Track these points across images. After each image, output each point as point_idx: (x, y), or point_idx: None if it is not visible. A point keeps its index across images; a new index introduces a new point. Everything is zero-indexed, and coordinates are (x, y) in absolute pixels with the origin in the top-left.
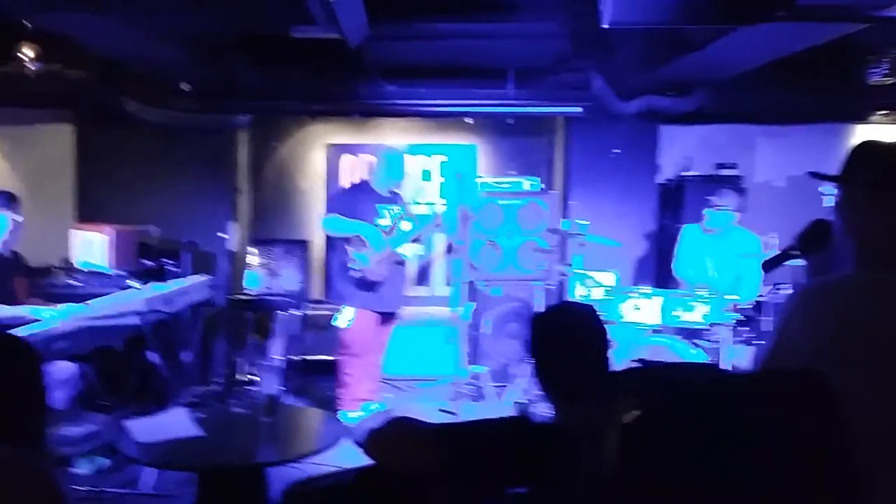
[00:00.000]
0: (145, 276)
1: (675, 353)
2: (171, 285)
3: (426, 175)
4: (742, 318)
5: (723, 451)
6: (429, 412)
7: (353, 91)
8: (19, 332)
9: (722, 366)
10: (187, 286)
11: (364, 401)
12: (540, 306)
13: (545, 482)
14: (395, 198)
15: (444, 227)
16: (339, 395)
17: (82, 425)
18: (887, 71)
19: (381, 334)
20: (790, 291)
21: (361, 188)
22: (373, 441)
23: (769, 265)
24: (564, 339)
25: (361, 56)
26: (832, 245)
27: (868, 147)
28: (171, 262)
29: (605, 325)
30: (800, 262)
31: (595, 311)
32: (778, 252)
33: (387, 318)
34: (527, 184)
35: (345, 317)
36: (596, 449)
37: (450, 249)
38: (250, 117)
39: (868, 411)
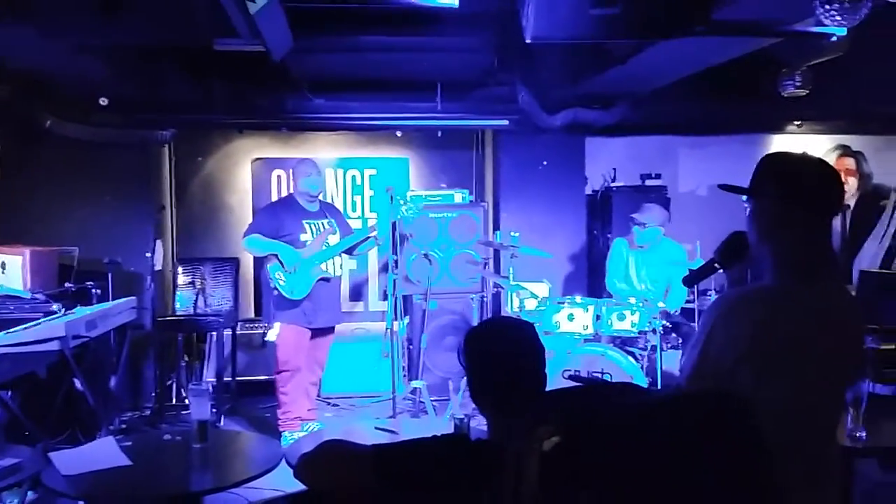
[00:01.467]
0: (66, 298)
1: (609, 360)
2: (94, 308)
3: (358, 189)
4: (670, 324)
5: (642, 475)
6: (367, 430)
7: (280, 104)
8: None
9: (647, 379)
10: (111, 308)
11: (303, 420)
12: (475, 318)
13: (481, 500)
14: (325, 211)
15: (377, 243)
16: (278, 416)
17: (5, 457)
18: (800, 83)
19: (314, 350)
20: (712, 299)
21: (286, 203)
22: (304, 465)
23: (690, 280)
24: (498, 353)
25: (289, 69)
26: (750, 256)
27: (773, 160)
28: (93, 283)
29: (539, 341)
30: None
31: (531, 326)
32: (698, 266)
33: (318, 333)
34: (458, 196)
35: (273, 332)
36: (512, 472)
37: (385, 266)
38: (173, 132)
39: (785, 418)
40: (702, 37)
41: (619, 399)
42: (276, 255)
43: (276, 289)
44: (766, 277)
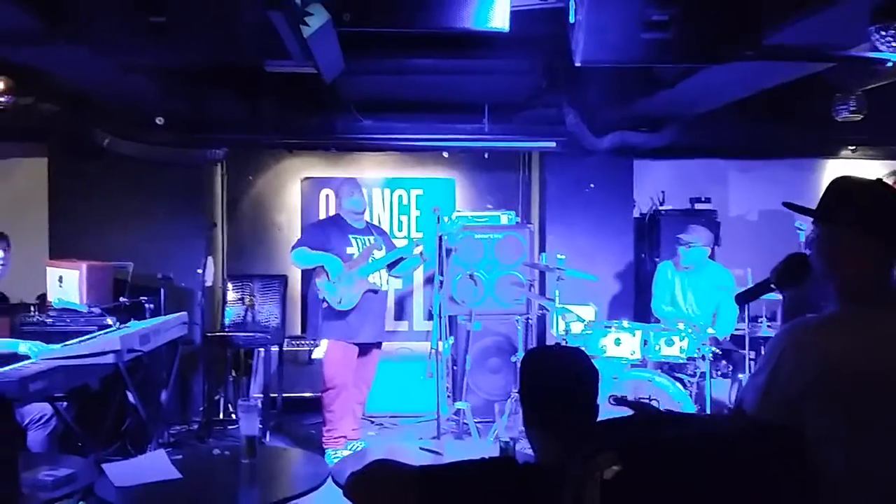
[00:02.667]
0: (121, 312)
1: (657, 386)
2: (148, 322)
3: (404, 209)
4: (719, 351)
5: None
6: (412, 450)
7: (329, 125)
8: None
9: (696, 406)
10: (164, 323)
11: (348, 439)
12: (520, 341)
13: None
14: (370, 229)
15: (423, 260)
16: (323, 434)
17: (60, 468)
18: (854, 108)
19: (361, 367)
20: (776, 327)
21: (333, 220)
22: (353, 484)
23: (743, 298)
24: (554, 379)
25: (338, 90)
26: (809, 279)
27: (844, 184)
28: (146, 298)
29: (594, 370)
30: (775, 295)
31: (585, 355)
32: (753, 285)
33: (365, 350)
34: (504, 217)
35: (320, 349)
36: (571, 499)
37: (430, 280)
38: (225, 150)
39: (853, 448)
40: (752, 61)
41: (675, 428)
42: (322, 268)
43: (324, 300)
44: (832, 304)
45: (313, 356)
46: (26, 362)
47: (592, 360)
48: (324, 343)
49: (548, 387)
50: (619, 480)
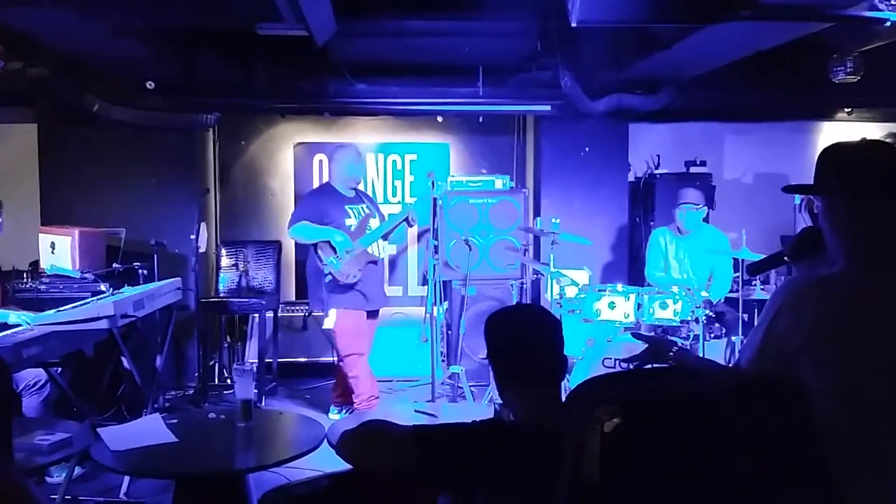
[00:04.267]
0: (114, 278)
1: None
2: (141, 288)
3: (398, 174)
4: (713, 314)
5: (700, 457)
6: (407, 413)
7: (322, 89)
8: None
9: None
10: (157, 289)
11: (377, 398)
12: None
13: (518, 484)
14: (360, 197)
15: (415, 225)
16: (333, 398)
17: (55, 433)
18: (851, 69)
19: (369, 332)
20: (770, 290)
21: (325, 190)
22: (345, 443)
23: (756, 269)
24: (517, 333)
25: (330, 54)
26: (822, 251)
27: (832, 154)
28: (139, 264)
29: (556, 320)
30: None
31: (544, 308)
32: (766, 257)
33: (371, 315)
34: (498, 182)
35: (330, 319)
36: (572, 452)
37: (420, 237)
38: (217, 115)
39: (848, 404)
40: (749, 21)
41: (675, 382)
42: (327, 242)
43: (329, 275)
44: (838, 266)
45: (324, 326)
46: (19, 328)
47: (584, 323)
48: (333, 312)
49: (512, 341)
50: (619, 433)
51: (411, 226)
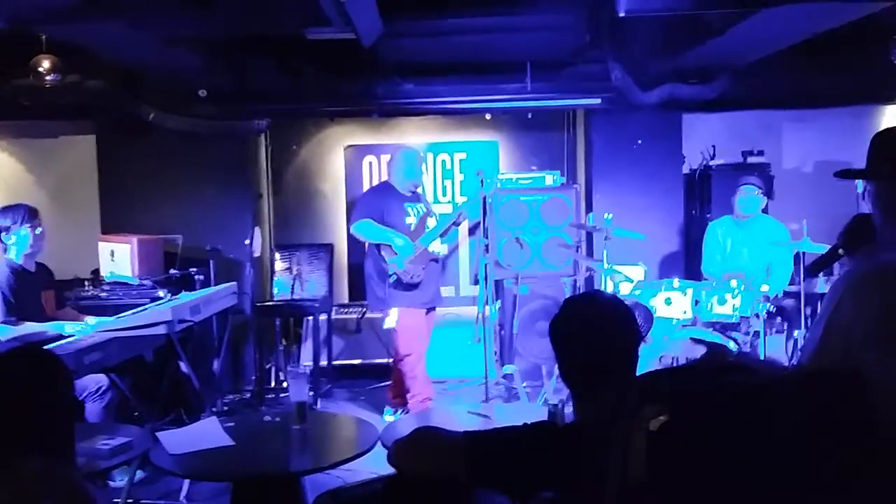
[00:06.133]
0: (171, 284)
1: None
2: (198, 293)
3: (448, 173)
4: (774, 308)
5: (752, 455)
6: (460, 414)
7: (370, 91)
8: (50, 346)
9: (762, 361)
10: (213, 293)
11: (431, 400)
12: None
13: (572, 486)
14: (417, 196)
15: (468, 223)
16: (389, 398)
17: (116, 437)
18: None
19: (427, 329)
20: (833, 282)
21: (385, 188)
22: (397, 451)
23: (815, 268)
24: (580, 332)
25: (377, 55)
26: (876, 238)
27: (885, 137)
28: (196, 270)
29: (627, 318)
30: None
31: (620, 302)
32: (823, 254)
33: (429, 311)
34: (549, 178)
35: (391, 318)
36: (619, 452)
37: (472, 231)
38: (268, 121)
39: None
40: (804, 4)
41: (728, 377)
42: (388, 245)
43: (393, 275)
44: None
45: (385, 326)
46: (78, 336)
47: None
48: (394, 312)
49: (569, 340)
50: (666, 431)
51: (458, 224)
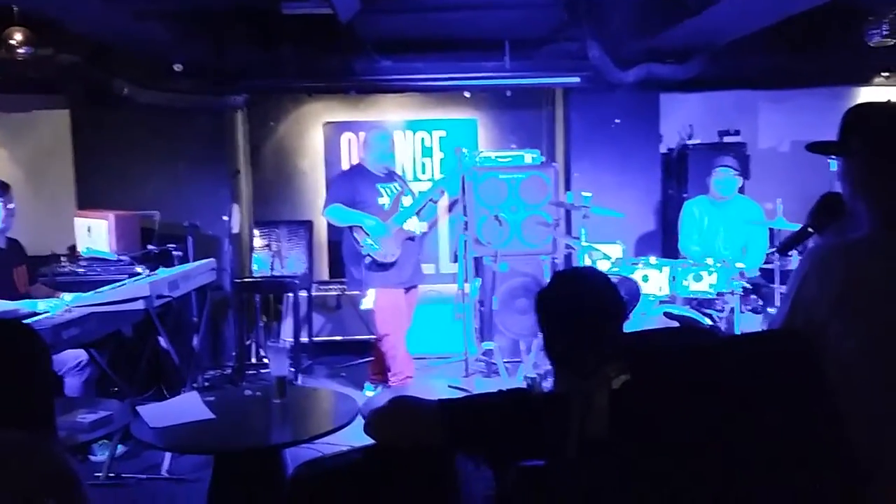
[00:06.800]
0: (149, 260)
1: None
2: (176, 269)
3: (427, 151)
4: (749, 286)
5: (709, 410)
6: (441, 389)
7: (348, 67)
8: (27, 321)
9: (727, 332)
10: (192, 269)
11: (411, 378)
12: (547, 280)
13: (546, 452)
14: (391, 175)
15: (447, 199)
16: (370, 374)
17: (96, 411)
18: (887, 32)
19: (408, 308)
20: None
21: (357, 170)
22: (373, 421)
23: (785, 247)
24: (569, 305)
25: (355, 31)
26: (845, 215)
27: (856, 113)
28: (174, 245)
29: (611, 294)
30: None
31: (605, 277)
32: (792, 234)
33: (409, 289)
34: (528, 157)
35: (369, 299)
36: (586, 414)
37: (451, 208)
38: (246, 97)
39: (878, 365)
40: None
41: (686, 338)
42: (360, 227)
43: (367, 255)
44: (863, 229)
45: (362, 307)
46: (52, 312)
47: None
48: (371, 292)
49: (550, 316)
50: (627, 389)
51: (436, 201)
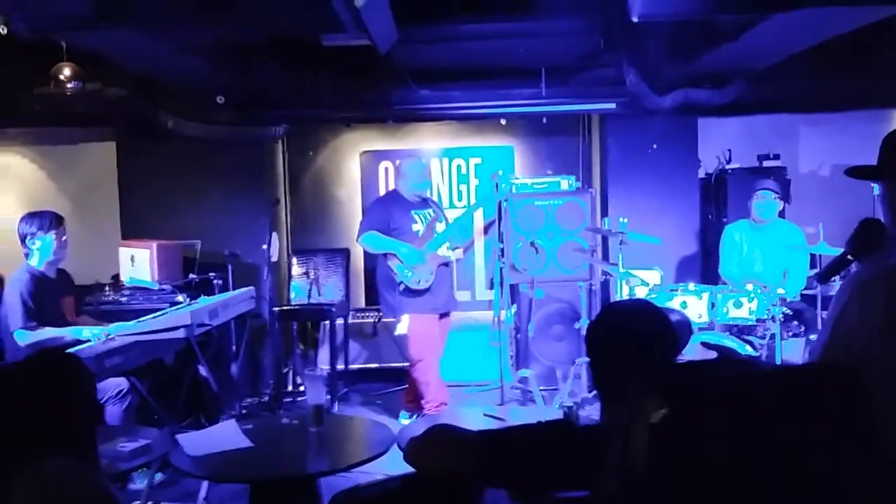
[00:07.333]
0: (190, 289)
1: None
2: (217, 298)
3: (463, 178)
4: (790, 312)
5: (751, 445)
6: (476, 417)
7: (385, 97)
8: (72, 350)
9: (768, 361)
10: (232, 298)
11: (446, 405)
12: (583, 307)
13: (587, 485)
14: (426, 202)
15: (483, 221)
16: (405, 402)
17: (136, 439)
18: None
19: (441, 334)
20: (837, 284)
21: (391, 197)
22: (412, 449)
23: (825, 276)
24: (619, 339)
25: (393, 61)
26: (885, 240)
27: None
28: (214, 274)
29: (662, 328)
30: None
31: (660, 312)
32: (831, 261)
33: (443, 316)
34: (564, 183)
35: (403, 325)
36: (627, 448)
37: (486, 229)
38: (286, 127)
39: None
40: (820, 7)
41: (728, 371)
42: (395, 254)
43: (401, 283)
44: None
45: (396, 332)
46: (94, 340)
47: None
48: (405, 318)
49: (606, 352)
50: (666, 424)
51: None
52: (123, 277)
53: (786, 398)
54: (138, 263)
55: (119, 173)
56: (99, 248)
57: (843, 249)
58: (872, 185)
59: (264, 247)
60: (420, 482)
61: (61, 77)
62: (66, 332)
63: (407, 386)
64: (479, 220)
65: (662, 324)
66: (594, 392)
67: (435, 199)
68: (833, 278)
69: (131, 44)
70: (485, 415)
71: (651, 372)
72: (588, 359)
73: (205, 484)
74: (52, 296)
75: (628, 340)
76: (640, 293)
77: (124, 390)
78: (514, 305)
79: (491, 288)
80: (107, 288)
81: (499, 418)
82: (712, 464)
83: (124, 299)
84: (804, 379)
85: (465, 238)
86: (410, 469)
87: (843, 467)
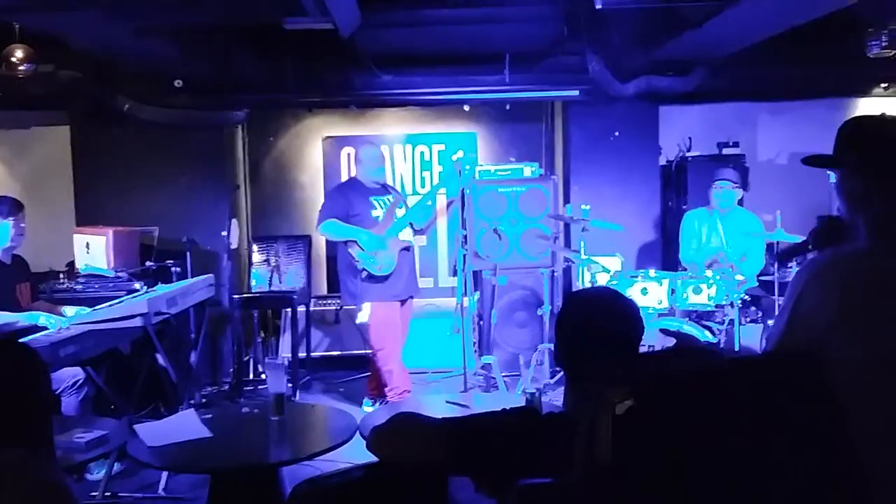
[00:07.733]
0: (147, 276)
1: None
2: (174, 286)
3: (426, 164)
4: (748, 297)
5: (715, 436)
6: (439, 404)
7: (348, 82)
8: (25, 339)
9: (727, 348)
10: (190, 285)
11: (409, 392)
12: (546, 294)
13: (552, 473)
14: (385, 188)
15: (445, 214)
16: (369, 391)
17: (93, 430)
18: (887, 43)
19: (403, 320)
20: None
21: (350, 185)
22: (375, 438)
23: (784, 257)
24: (574, 322)
25: (356, 46)
26: (845, 236)
27: (852, 127)
28: (172, 262)
29: (624, 311)
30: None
31: (615, 297)
32: (792, 245)
33: (404, 301)
34: (527, 170)
35: (364, 313)
36: (591, 437)
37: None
38: (246, 112)
39: (875, 381)
40: None
41: (692, 362)
42: (355, 241)
43: (363, 270)
44: (858, 242)
45: (358, 321)
46: (52, 327)
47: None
48: (366, 306)
49: (570, 337)
50: (631, 415)
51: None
52: (78, 265)
53: (749, 388)
54: (94, 250)
55: (74, 158)
56: (53, 235)
57: (800, 237)
58: (829, 173)
59: (224, 233)
60: (384, 471)
61: (13, 59)
62: (21, 318)
63: (370, 374)
64: (441, 201)
65: (627, 308)
66: (556, 378)
67: (397, 185)
68: (790, 262)
69: (88, 25)
70: (448, 402)
71: (616, 356)
72: (555, 346)
73: (164, 475)
74: (6, 282)
75: (593, 326)
76: (602, 280)
77: (80, 380)
78: (477, 292)
79: (454, 275)
80: (61, 275)
81: (462, 405)
82: (676, 454)
83: (79, 287)
84: (767, 367)
85: (426, 219)
86: (374, 458)
87: (807, 456)
